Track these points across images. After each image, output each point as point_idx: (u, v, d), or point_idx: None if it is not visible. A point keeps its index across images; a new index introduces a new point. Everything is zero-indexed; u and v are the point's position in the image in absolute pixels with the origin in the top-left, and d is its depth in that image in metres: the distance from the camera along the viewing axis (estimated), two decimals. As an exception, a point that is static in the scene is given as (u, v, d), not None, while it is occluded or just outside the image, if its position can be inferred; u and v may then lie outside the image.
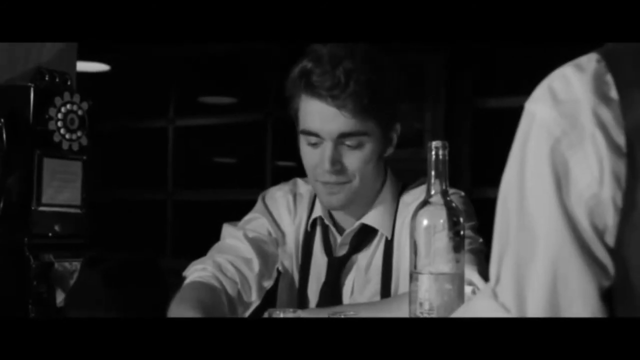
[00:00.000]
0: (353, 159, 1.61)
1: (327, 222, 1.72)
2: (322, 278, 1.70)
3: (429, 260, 1.21)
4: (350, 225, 1.70)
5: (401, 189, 1.72)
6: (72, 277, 1.83)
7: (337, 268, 1.69)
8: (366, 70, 1.58)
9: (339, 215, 1.72)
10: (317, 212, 1.73)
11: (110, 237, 3.87)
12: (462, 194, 1.68)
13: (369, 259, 1.69)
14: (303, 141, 1.65)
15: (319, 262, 1.72)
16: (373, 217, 1.68)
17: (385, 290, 1.65)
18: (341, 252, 1.71)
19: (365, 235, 1.69)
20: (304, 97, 1.61)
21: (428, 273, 1.20)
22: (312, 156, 1.63)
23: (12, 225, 1.84)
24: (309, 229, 1.75)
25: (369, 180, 1.65)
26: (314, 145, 1.62)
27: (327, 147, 1.60)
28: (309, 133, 1.62)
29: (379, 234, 1.69)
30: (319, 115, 1.59)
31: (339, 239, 1.72)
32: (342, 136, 1.59)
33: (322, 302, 1.67)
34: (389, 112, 1.64)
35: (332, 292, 1.68)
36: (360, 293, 1.67)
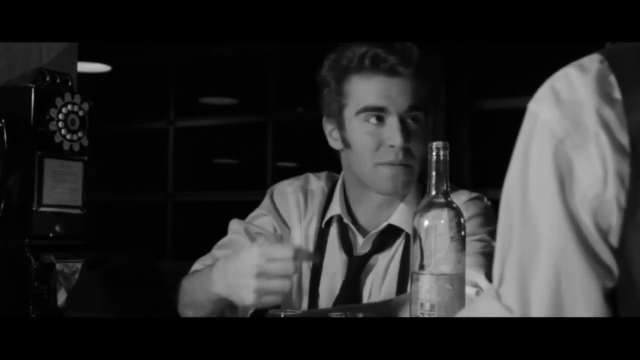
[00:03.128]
0: (416, 139, 1.61)
1: (346, 220, 1.70)
2: (338, 277, 1.68)
3: (430, 261, 1.21)
4: (372, 225, 1.69)
5: (423, 190, 1.71)
6: (73, 279, 1.83)
7: (358, 268, 1.67)
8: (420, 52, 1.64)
9: (361, 215, 1.70)
10: (335, 210, 1.71)
11: (111, 238, 3.87)
12: (485, 199, 1.67)
13: (390, 260, 1.67)
14: (360, 123, 1.62)
15: (335, 261, 1.70)
16: (400, 218, 1.67)
17: (402, 291, 1.63)
18: (363, 251, 1.69)
19: (388, 236, 1.68)
20: (362, 78, 1.61)
21: (429, 274, 1.20)
22: (375, 135, 1.61)
23: (13, 226, 1.84)
24: (323, 226, 1.73)
25: (420, 168, 1.65)
26: (376, 125, 1.60)
27: (395, 123, 1.59)
28: (374, 109, 1.60)
29: (403, 235, 1.67)
30: (386, 90, 1.59)
31: (359, 238, 1.70)
32: (410, 110, 1.60)
33: (342, 302, 1.65)
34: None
35: (352, 292, 1.66)
36: (377, 293, 1.66)
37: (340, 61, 1.63)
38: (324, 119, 1.70)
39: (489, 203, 1.67)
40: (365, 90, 1.60)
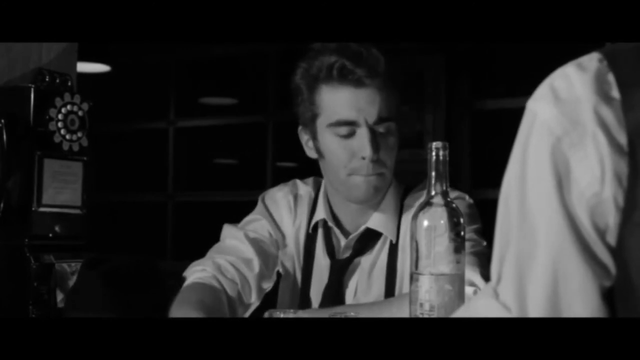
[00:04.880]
0: (386, 149, 1.61)
1: (330, 224, 1.71)
2: (325, 280, 1.70)
3: (429, 261, 1.21)
4: (354, 228, 1.70)
5: (403, 192, 1.72)
6: (72, 278, 1.83)
7: (340, 271, 1.68)
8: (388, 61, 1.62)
9: (343, 218, 1.72)
10: (320, 214, 1.72)
11: (111, 238, 3.87)
12: (467, 197, 1.68)
13: (372, 262, 1.68)
14: (331, 135, 1.62)
15: (322, 265, 1.72)
16: (377, 221, 1.68)
17: (389, 293, 1.64)
18: (344, 254, 1.70)
19: (368, 238, 1.69)
20: (331, 88, 1.61)
21: (428, 274, 1.20)
22: (347, 148, 1.61)
23: (13, 226, 1.84)
24: (310, 231, 1.74)
25: (392, 174, 1.66)
26: (347, 136, 1.61)
27: (365, 134, 1.59)
28: (345, 123, 1.60)
29: (383, 237, 1.68)
30: (355, 101, 1.59)
31: (342, 241, 1.71)
32: (380, 121, 1.60)
33: (325, 305, 1.66)
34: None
35: (334, 295, 1.67)
36: (364, 296, 1.67)
37: (310, 70, 1.63)
38: (300, 129, 1.71)
39: (471, 201, 1.68)
40: (335, 101, 1.60)
